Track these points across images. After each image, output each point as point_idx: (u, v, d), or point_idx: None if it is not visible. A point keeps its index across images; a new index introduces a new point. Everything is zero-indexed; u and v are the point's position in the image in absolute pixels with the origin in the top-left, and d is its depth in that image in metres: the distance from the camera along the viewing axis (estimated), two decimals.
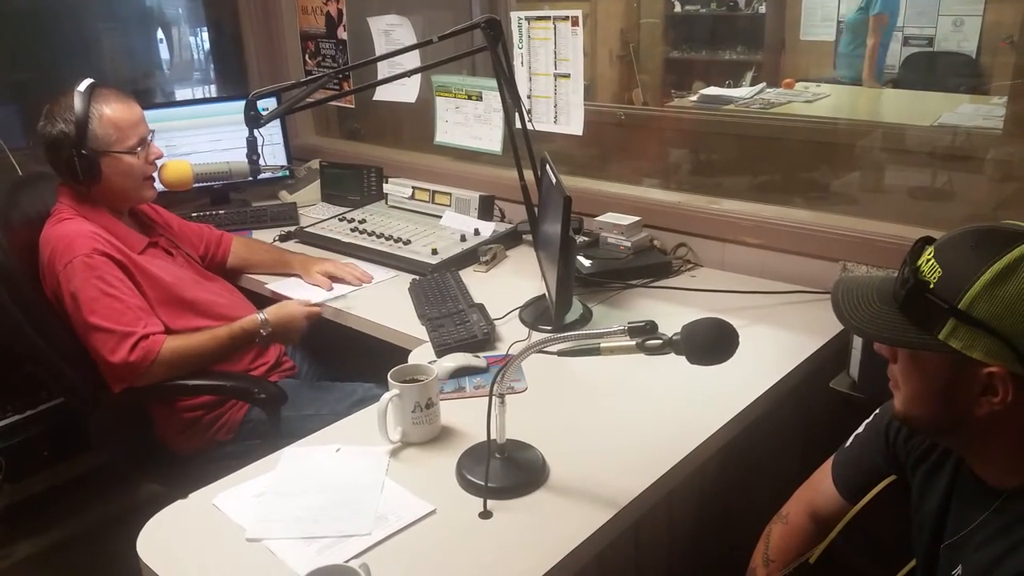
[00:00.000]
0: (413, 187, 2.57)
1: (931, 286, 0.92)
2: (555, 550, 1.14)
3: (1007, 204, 1.95)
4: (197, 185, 2.34)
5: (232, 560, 1.16)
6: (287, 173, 2.91)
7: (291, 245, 2.45)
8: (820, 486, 1.32)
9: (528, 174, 2.05)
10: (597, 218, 2.17)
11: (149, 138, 1.93)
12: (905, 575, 1.17)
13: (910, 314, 0.95)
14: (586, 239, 2.17)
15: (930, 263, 0.93)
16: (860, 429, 1.28)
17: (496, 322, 1.82)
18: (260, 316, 1.91)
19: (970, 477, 1.03)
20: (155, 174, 1.99)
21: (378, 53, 2.72)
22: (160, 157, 1.97)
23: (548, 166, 1.83)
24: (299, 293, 2.11)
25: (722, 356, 1.13)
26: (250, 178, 2.21)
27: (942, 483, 1.09)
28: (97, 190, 1.87)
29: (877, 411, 1.26)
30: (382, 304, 2.02)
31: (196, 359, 1.82)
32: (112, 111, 1.85)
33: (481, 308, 1.86)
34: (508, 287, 2.05)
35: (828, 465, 1.33)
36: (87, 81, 1.86)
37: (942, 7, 3.36)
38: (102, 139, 1.83)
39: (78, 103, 1.81)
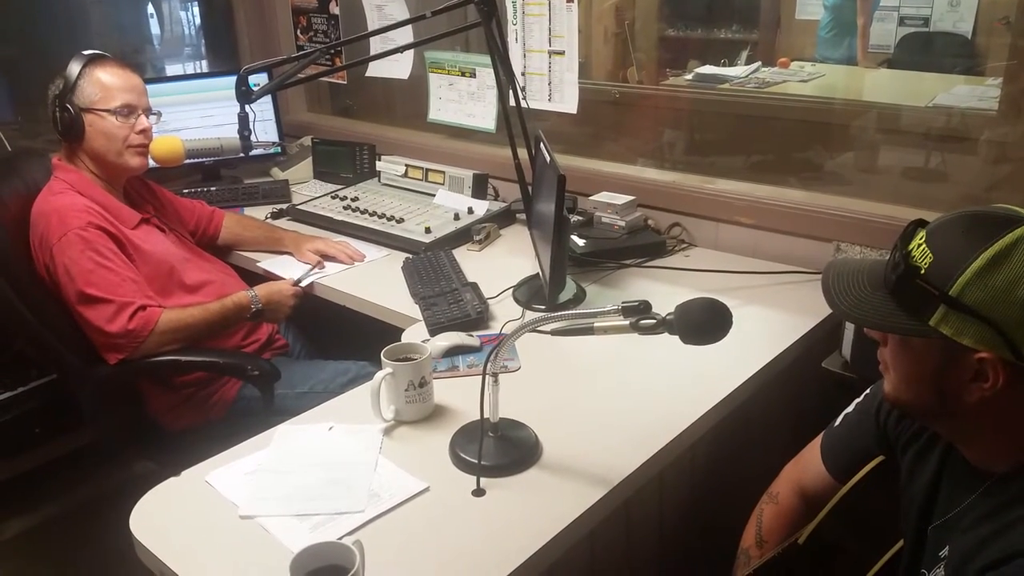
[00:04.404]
0: (406, 165, 2.55)
1: (922, 271, 0.91)
2: (547, 528, 1.15)
3: (1001, 185, 1.95)
4: (188, 161, 2.31)
5: (225, 537, 1.16)
6: (279, 150, 2.90)
7: (283, 223, 2.44)
8: (809, 465, 1.33)
9: (522, 152, 2.04)
10: (591, 197, 2.16)
11: (144, 113, 1.91)
12: (893, 555, 1.18)
13: (900, 299, 0.94)
14: (580, 218, 2.16)
15: (921, 248, 0.93)
16: (850, 409, 1.28)
17: (489, 301, 1.82)
18: (250, 292, 1.93)
19: (959, 460, 1.03)
20: (144, 145, 1.94)
21: (370, 28, 2.70)
22: (146, 130, 1.92)
23: (542, 144, 1.82)
24: (290, 271, 2.10)
25: (715, 336, 1.14)
26: (241, 154, 2.19)
27: (931, 465, 1.09)
28: (83, 153, 1.87)
29: (868, 391, 1.26)
30: (375, 282, 2.01)
31: (190, 331, 1.82)
32: (103, 72, 1.87)
33: (474, 287, 1.86)
34: (502, 266, 2.04)
35: (816, 444, 1.33)
36: (95, 51, 1.89)
37: None
38: (87, 95, 1.85)
39: (77, 62, 1.85)
